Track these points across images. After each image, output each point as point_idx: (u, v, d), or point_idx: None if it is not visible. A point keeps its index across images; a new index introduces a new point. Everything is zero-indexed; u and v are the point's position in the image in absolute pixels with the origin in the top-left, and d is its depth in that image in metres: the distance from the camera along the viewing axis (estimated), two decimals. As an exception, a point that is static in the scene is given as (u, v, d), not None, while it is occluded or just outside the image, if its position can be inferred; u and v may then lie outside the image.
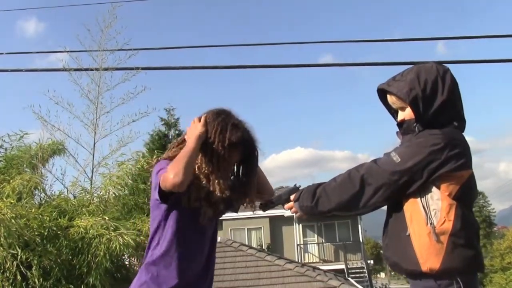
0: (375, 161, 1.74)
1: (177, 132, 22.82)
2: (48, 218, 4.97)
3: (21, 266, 4.57)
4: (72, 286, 4.84)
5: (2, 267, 4.57)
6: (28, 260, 4.65)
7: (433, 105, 1.71)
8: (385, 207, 1.81)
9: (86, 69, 6.36)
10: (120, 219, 5.30)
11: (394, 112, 1.91)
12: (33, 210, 4.99)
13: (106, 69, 6.39)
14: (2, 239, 4.45)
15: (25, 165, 6.01)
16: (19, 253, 4.53)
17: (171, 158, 1.83)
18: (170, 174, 1.67)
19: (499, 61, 6.48)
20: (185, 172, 1.66)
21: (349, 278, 17.51)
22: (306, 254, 23.10)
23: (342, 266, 21.50)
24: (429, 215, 1.62)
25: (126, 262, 5.85)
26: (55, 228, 4.97)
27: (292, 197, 1.90)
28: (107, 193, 5.85)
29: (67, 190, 5.99)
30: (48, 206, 5.27)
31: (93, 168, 6.05)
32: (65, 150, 6.32)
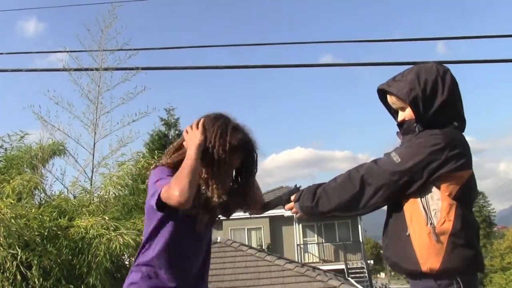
0: (375, 161, 1.73)
1: (177, 132, 22.82)
2: (48, 218, 4.97)
3: (21, 266, 4.57)
4: (72, 286, 4.83)
5: (2, 267, 4.57)
6: (28, 260, 4.65)
7: (433, 105, 1.71)
8: (385, 207, 1.81)
9: (86, 69, 6.36)
10: (120, 219, 5.30)
11: (394, 112, 1.91)
12: (33, 210, 4.99)
13: (106, 69, 6.39)
14: (2, 239, 4.45)
15: (25, 165, 6.02)
16: (19, 253, 4.53)
17: (169, 165, 1.80)
18: (175, 191, 1.61)
19: (499, 61, 6.48)
20: (190, 190, 1.61)
21: (349, 278, 17.52)
22: (306, 254, 23.12)
23: (342, 266, 21.50)
24: (429, 215, 1.62)
25: (126, 262, 5.84)
26: (55, 228, 4.97)
27: (292, 197, 1.90)
28: (107, 193, 5.85)
29: (67, 190, 5.99)
30: (48, 206, 5.27)
31: (93, 168, 6.05)
32: (65, 151, 6.33)
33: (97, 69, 6.37)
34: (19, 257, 4.54)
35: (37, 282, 4.60)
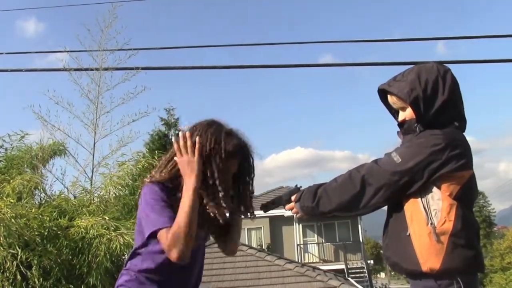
0: (375, 161, 1.73)
1: (177, 132, 22.80)
2: (48, 218, 4.98)
3: (21, 266, 4.57)
4: (72, 286, 4.84)
5: (2, 267, 4.57)
6: (28, 260, 4.65)
7: (434, 105, 1.71)
8: (385, 207, 1.81)
9: (86, 69, 6.37)
10: (121, 219, 5.30)
11: (394, 112, 1.91)
12: (33, 210, 4.99)
13: (106, 69, 6.39)
14: (2, 239, 4.46)
15: (25, 165, 6.02)
16: (19, 253, 4.53)
17: (158, 181, 1.71)
18: (173, 253, 1.54)
19: (499, 61, 6.48)
20: (189, 244, 1.55)
21: (349, 278, 17.52)
22: (306, 254, 23.12)
23: (342, 266, 21.50)
24: (429, 215, 1.62)
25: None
26: (55, 228, 4.97)
27: (293, 197, 1.90)
28: (108, 193, 5.86)
29: (67, 190, 6.00)
30: (48, 206, 5.28)
31: (93, 168, 6.06)
32: (65, 151, 6.33)
33: (97, 69, 6.38)
34: (19, 257, 4.55)
35: (37, 282, 4.61)
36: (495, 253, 35.85)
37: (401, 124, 1.84)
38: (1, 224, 4.42)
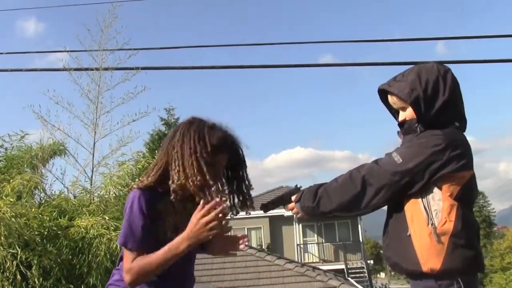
0: (376, 161, 1.73)
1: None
2: (48, 218, 4.98)
3: (21, 266, 4.57)
4: (72, 286, 4.84)
5: (2, 267, 4.57)
6: (28, 259, 4.65)
7: (435, 105, 1.70)
8: (385, 207, 1.81)
9: (86, 69, 6.37)
10: (121, 219, 5.28)
11: (394, 112, 1.90)
12: (33, 209, 4.99)
13: (106, 69, 6.39)
14: (2, 238, 4.46)
15: (25, 165, 6.02)
16: (19, 253, 4.54)
17: (146, 187, 1.68)
18: (132, 277, 1.58)
19: (499, 61, 6.48)
20: (149, 279, 1.59)
21: (349, 278, 17.52)
22: (306, 254, 23.12)
23: (342, 266, 21.51)
24: (430, 216, 1.62)
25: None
26: (55, 228, 4.98)
27: (293, 198, 1.89)
28: (108, 193, 5.86)
29: (67, 190, 6.00)
30: (48, 205, 5.28)
31: (93, 168, 6.06)
32: (65, 150, 6.33)
33: (97, 69, 6.38)
34: (19, 256, 4.55)
35: (37, 282, 4.61)
36: (495, 253, 35.86)
37: (401, 124, 1.84)
38: (1, 224, 4.42)
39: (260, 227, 23.04)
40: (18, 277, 4.57)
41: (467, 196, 1.67)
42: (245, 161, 1.83)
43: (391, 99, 1.84)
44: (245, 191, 1.82)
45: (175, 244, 1.58)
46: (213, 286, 8.38)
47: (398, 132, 1.88)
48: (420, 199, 1.66)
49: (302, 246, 23.07)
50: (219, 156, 1.72)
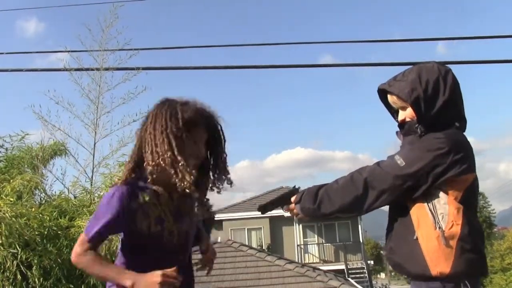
0: (378, 164, 1.71)
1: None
2: (48, 218, 4.98)
3: (21, 266, 4.57)
4: (72, 286, 4.84)
5: (2, 267, 4.57)
6: (29, 259, 4.65)
7: (435, 106, 1.69)
8: (386, 209, 1.80)
9: (87, 69, 6.37)
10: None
11: (394, 112, 1.89)
12: (33, 209, 4.99)
13: (107, 69, 6.39)
14: (3, 238, 4.46)
15: (26, 165, 6.03)
16: (20, 253, 4.54)
17: (127, 182, 1.67)
18: (76, 256, 1.60)
19: (499, 62, 6.48)
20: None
21: (349, 279, 17.53)
22: (306, 255, 23.13)
23: (342, 267, 21.51)
24: (437, 219, 1.61)
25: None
26: (55, 228, 4.98)
27: (292, 199, 1.86)
28: (108, 193, 5.85)
29: (68, 190, 6.00)
30: (48, 205, 5.28)
31: (93, 168, 6.06)
32: (66, 151, 6.33)
33: (98, 69, 6.38)
34: (19, 256, 4.55)
35: (37, 282, 4.61)
36: (495, 254, 35.83)
37: (401, 125, 1.83)
38: (2, 223, 4.43)
39: (261, 228, 23.03)
40: (19, 277, 4.57)
41: (471, 199, 1.67)
42: (222, 136, 1.79)
43: (391, 98, 1.83)
44: (221, 166, 1.79)
45: (121, 274, 1.58)
46: (213, 286, 8.38)
47: (397, 132, 1.87)
48: (425, 203, 1.64)
49: (302, 246, 23.07)
50: (196, 130, 1.69)
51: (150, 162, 1.64)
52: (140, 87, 6.39)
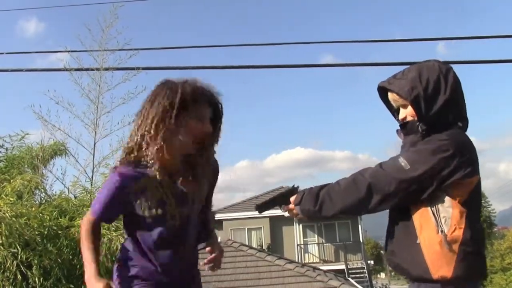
0: (380, 165, 1.67)
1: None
2: (48, 218, 4.98)
3: (21, 266, 4.57)
4: (73, 286, 4.84)
5: (2, 267, 4.57)
6: (29, 259, 4.66)
7: (435, 104, 1.66)
8: (387, 211, 1.77)
9: (87, 69, 6.36)
10: (121, 219, 5.30)
11: (394, 111, 1.87)
12: (33, 209, 5.00)
13: (107, 69, 6.39)
14: (3, 238, 4.46)
15: (26, 165, 6.03)
16: (20, 253, 4.54)
17: (126, 164, 1.68)
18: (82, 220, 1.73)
19: (500, 62, 6.48)
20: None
21: (349, 279, 17.54)
22: (306, 254, 23.13)
23: (342, 267, 21.52)
24: (439, 223, 1.58)
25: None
26: (55, 228, 4.98)
27: (292, 199, 1.82)
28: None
29: (68, 190, 6.00)
30: (48, 205, 5.29)
31: (93, 168, 6.05)
32: (66, 151, 6.33)
33: (97, 69, 6.37)
34: (19, 256, 4.55)
35: (37, 282, 4.61)
36: (496, 254, 35.84)
37: (402, 124, 1.79)
38: (2, 223, 4.43)
39: (261, 228, 23.04)
40: (19, 276, 4.57)
41: (475, 202, 1.64)
42: (222, 116, 1.79)
43: (392, 96, 1.80)
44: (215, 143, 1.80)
45: (88, 264, 1.66)
46: (213, 286, 8.38)
47: (397, 131, 1.84)
48: (428, 206, 1.61)
49: (302, 246, 23.08)
50: (199, 107, 1.69)
51: (133, 139, 1.67)
52: (140, 87, 6.37)
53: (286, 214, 1.90)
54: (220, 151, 1.88)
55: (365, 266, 22.27)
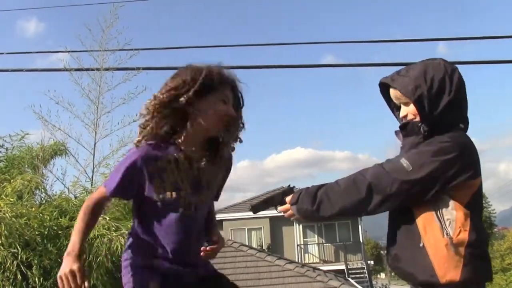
0: (382, 166, 1.63)
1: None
2: (48, 218, 4.98)
3: (21, 266, 4.57)
4: (73, 286, 4.84)
5: (2, 267, 4.57)
6: (29, 259, 4.66)
7: (439, 105, 1.62)
8: (387, 214, 1.74)
9: (87, 69, 6.38)
10: (121, 219, 5.30)
11: (394, 107, 1.82)
12: (33, 209, 5.00)
13: (107, 69, 6.40)
14: (3, 238, 4.46)
15: (26, 165, 6.03)
16: (20, 253, 4.54)
17: (148, 143, 1.65)
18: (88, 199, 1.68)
19: (499, 62, 6.49)
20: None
21: (349, 279, 17.55)
22: (306, 255, 23.13)
23: (342, 267, 21.52)
24: (444, 226, 1.55)
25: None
26: (55, 228, 4.98)
27: (288, 199, 1.76)
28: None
29: (68, 190, 6.01)
30: (48, 205, 5.29)
31: (93, 168, 6.06)
32: (66, 151, 6.34)
33: (98, 69, 6.39)
34: (19, 256, 4.55)
35: (37, 282, 4.61)
36: (496, 254, 35.82)
37: (402, 125, 1.75)
38: (2, 224, 4.43)
39: (261, 228, 23.04)
40: (19, 277, 4.57)
41: (477, 204, 1.63)
42: (243, 104, 1.78)
43: (394, 93, 1.74)
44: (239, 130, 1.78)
45: (72, 242, 1.58)
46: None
47: (396, 132, 1.79)
48: (432, 208, 1.58)
49: (302, 246, 23.08)
50: (223, 91, 1.68)
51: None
52: (140, 87, 6.40)
53: (282, 214, 1.84)
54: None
55: (365, 266, 22.27)
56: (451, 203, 1.57)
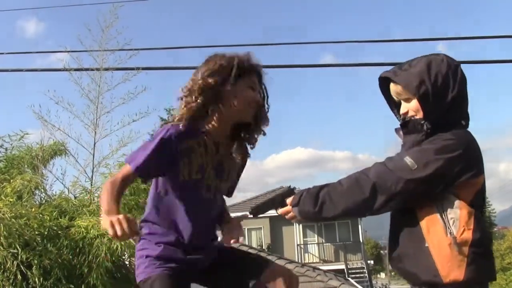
0: (385, 165, 1.60)
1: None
2: (48, 218, 4.98)
3: (21, 266, 4.57)
4: (73, 286, 4.83)
5: (2, 267, 4.57)
6: (29, 259, 4.65)
7: (444, 102, 1.60)
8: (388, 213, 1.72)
9: (87, 69, 6.37)
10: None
11: (392, 102, 1.78)
12: (33, 209, 4.99)
13: (106, 69, 6.39)
14: (2, 238, 4.46)
15: (26, 165, 6.03)
16: (20, 253, 4.53)
17: (181, 122, 1.67)
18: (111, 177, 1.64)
19: (500, 62, 6.49)
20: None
21: (349, 278, 17.56)
22: (306, 254, 23.15)
23: (342, 266, 21.53)
24: (447, 225, 1.53)
25: (127, 262, 5.85)
26: (55, 228, 4.97)
27: (289, 201, 1.74)
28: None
29: (68, 190, 6.00)
30: (48, 205, 5.28)
31: (93, 168, 6.06)
32: (66, 151, 6.34)
33: (97, 69, 6.38)
34: (19, 256, 4.54)
35: (37, 282, 4.60)
36: (496, 254, 35.83)
37: (404, 123, 1.72)
38: (1, 224, 4.43)
39: (261, 228, 23.06)
40: (19, 277, 4.57)
41: (480, 202, 1.61)
42: (267, 96, 1.81)
43: (395, 88, 1.70)
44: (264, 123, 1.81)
45: (106, 208, 1.54)
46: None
47: (396, 129, 1.77)
48: (435, 207, 1.56)
49: (302, 246, 23.10)
50: (252, 78, 1.72)
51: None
52: (140, 87, 6.40)
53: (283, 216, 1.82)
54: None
55: (365, 266, 22.29)
56: (455, 202, 1.55)
